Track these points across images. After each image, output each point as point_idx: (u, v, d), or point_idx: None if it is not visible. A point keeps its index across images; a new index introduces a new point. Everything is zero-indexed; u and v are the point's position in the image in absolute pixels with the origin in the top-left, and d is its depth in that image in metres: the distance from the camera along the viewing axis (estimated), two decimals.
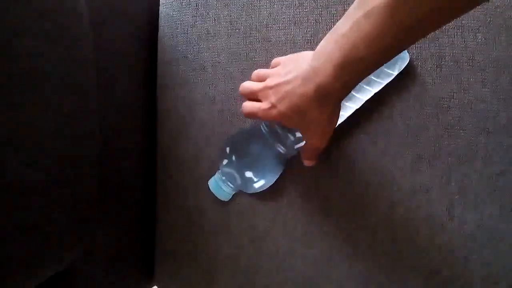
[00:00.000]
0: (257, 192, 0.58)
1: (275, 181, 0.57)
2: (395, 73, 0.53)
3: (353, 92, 0.53)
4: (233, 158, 0.55)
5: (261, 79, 0.51)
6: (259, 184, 0.55)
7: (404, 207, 0.55)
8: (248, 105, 0.51)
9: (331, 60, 0.41)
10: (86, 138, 0.45)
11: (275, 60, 0.53)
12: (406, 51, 0.54)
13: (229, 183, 0.56)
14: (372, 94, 0.54)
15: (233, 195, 0.59)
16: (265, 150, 0.54)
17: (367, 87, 0.54)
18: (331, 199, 0.58)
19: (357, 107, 0.54)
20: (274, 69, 0.51)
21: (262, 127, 0.54)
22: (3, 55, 0.36)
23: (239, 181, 0.55)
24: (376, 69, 0.42)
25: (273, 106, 0.47)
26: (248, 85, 0.52)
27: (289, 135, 0.52)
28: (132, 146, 0.63)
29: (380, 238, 0.56)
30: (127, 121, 0.61)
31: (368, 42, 0.38)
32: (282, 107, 0.46)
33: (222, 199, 0.58)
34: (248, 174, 0.54)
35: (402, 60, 0.54)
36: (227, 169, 0.55)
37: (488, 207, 0.53)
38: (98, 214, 0.51)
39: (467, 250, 0.54)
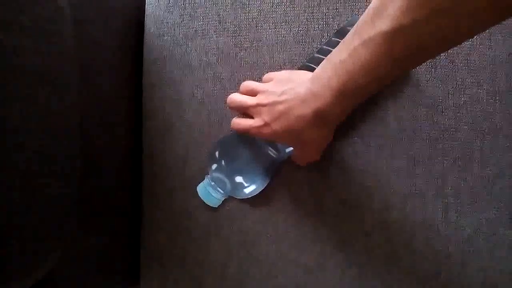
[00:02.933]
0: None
1: (266, 184, 0.55)
2: None
3: None
4: (223, 162, 0.53)
5: (251, 93, 0.50)
6: (250, 189, 0.53)
7: (399, 210, 0.54)
8: (240, 122, 0.50)
9: (330, 87, 0.41)
10: (64, 135, 0.42)
11: (267, 75, 0.52)
12: None
13: (218, 188, 0.54)
14: None
15: (223, 200, 0.57)
16: (255, 154, 0.52)
17: None
18: (324, 203, 0.56)
19: None
20: (266, 84, 0.50)
21: None
22: None
23: (229, 186, 0.53)
24: (376, 92, 0.42)
25: (266, 124, 0.47)
26: (238, 99, 0.50)
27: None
28: (116, 146, 0.61)
29: (374, 243, 0.55)
30: (112, 119, 0.59)
31: (366, 71, 0.38)
32: (276, 126, 0.46)
33: (211, 205, 0.56)
34: (238, 179, 0.53)
35: None
36: (216, 174, 0.53)
37: (485, 211, 0.52)
38: (80, 217, 0.49)
39: (464, 255, 0.53)
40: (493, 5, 0.31)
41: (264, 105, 0.47)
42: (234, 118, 0.51)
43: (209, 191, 0.54)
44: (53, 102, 0.40)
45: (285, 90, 0.46)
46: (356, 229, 0.55)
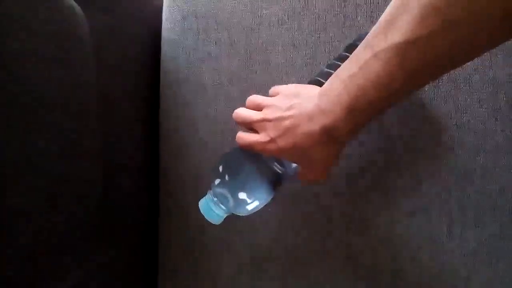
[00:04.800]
0: (258, 211, 0.59)
1: (277, 199, 0.57)
2: None
3: None
4: (226, 177, 0.50)
5: (257, 107, 0.49)
6: (253, 206, 0.51)
7: (404, 226, 0.56)
8: (245, 137, 0.48)
9: (339, 103, 0.39)
10: (87, 160, 0.45)
11: (274, 89, 0.50)
12: None
13: (221, 205, 0.51)
14: None
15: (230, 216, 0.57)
16: (260, 170, 0.50)
17: None
18: (332, 219, 0.58)
19: None
20: (272, 99, 0.48)
21: None
22: (6, 80, 0.37)
23: (231, 202, 0.50)
24: (386, 110, 0.40)
25: (272, 140, 0.44)
26: (244, 114, 0.49)
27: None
28: (134, 166, 0.64)
29: (381, 258, 0.56)
30: (130, 141, 0.62)
31: (377, 85, 0.37)
32: (282, 143, 0.44)
33: (212, 223, 0.52)
34: (242, 195, 0.50)
35: None
36: (219, 189, 0.51)
37: (488, 226, 0.53)
38: (101, 232, 0.52)
39: (468, 270, 0.54)
40: (508, 15, 0.30)
41: (269, 120, 0.45)
42: (238, 133, 0.49)
43: (211, 207, 0.51)
44: (76, 128, 0.43)
45: (292, 105, 0.44)
46: (363, 244, 0.57)
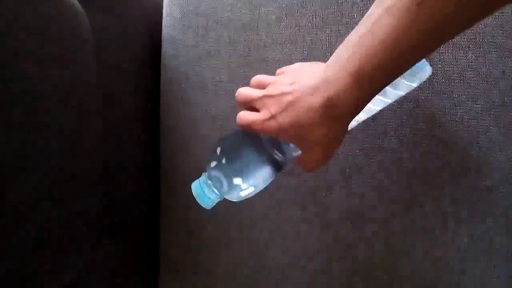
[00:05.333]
0: (256, 207, 0.60)
1: (275, 194, 0.58)
2: (415, 85, 0.51)
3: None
4: (223, 160, 0.48)
5: (260, 86, 0.46)
6: (246, 192, 0.49)
7: (400, 220, 0.57)
8: (244, 115, 0.45)
9: (346, 69, 0.38)
10: (87, 158, 0.47)
11: (280, 70, 0.48)
12: (428, 62, 0.50)
13: (214, 189, 0.48)
14: (386, 105, 0.52)
15: (229, 208, 0.58)
16: (259, 156, 0.48)
17: (383, 99, 0.51)
18: (329, 213, 0.59)
19: (366, 117, 0.52)
20: (276, 77, 0.46)
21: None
22: (6, 79, 0.38)
23: (225, 187, 0.48)
24: (392, 81, 0.39)
25: (272, 117, 0.42)
26: (245, 92, 0.46)
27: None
28: (135, 163, 0.65)
29: (377, 251, 0.58)
30: (131, 139, 0.64)
31: (386, 45, 0.36)
32: (282, 119, 0.41)
33: (204, 206, 0.50)
34: (237, 180, 0.48)
35: (423, 70, 0.50)
36: (214, 172, 0.48)
37: (482, 221, 0.54)
38: (102, 228, 0.53)
39: (462, 263, 0.55)
40: None
41: (271, 96, 0.43)
42: (239, 113, 0.46)
43: (204, 190, 0.49)
44: (76, 128, 0.44)
45: (296, 80, 0.42)
46: (359, 238, 0.58)
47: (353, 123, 0.49)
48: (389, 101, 0.51)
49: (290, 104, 0.41)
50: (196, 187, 0.50)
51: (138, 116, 0.65)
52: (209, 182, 0.48)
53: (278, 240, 0.61)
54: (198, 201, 0.49)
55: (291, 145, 0.46)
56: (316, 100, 0.39)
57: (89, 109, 0.47)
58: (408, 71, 0.40)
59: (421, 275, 0.56)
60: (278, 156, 0.48)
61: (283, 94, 0.42)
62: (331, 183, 0.59)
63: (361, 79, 0.38)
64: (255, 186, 0.49)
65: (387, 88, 0.45)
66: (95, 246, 0.49)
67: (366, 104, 0.41)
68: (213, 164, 0.48)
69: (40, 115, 0.40)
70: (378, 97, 0.49)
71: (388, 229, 0.57)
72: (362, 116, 0.52)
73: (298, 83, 0.41)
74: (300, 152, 0.46)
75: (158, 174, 0.68)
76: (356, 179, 0.58)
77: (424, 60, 0.46)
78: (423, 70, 0.50)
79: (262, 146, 0.47)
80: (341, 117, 0.40)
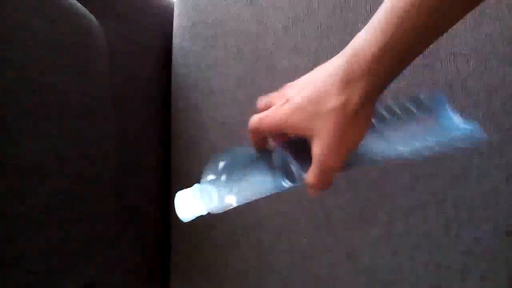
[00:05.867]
0: (263, 209, 0.62)
1: (282, 197, 0.60)
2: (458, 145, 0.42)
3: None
4: (223, 177, 0.44)
5: (269, 103, 0.43)
6: (229, 207, 0.45)
7: (403, 224, 0.58)
8: (256, 114, 0.42)
9: (369, 43, 0.36)
10: (102, 160, 0.49)
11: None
12: (482, 128, 0.40)
13: (201, 202, 0.44)
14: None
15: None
16: (265, 183, 0.44)
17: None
18: (334, 215, 0.61)
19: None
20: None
21: (274, 153, 0.45)
22: (31, 91, 0.41)
23: (214, 203, 0.44)
24: (421, 52, 0.37)
25: (287, 100, 0.39)
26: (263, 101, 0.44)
27: (301, 166, 0.43)
28: (148, 165, 0.68)
29: (380, 253, 0.59)
30: (144, 142, 0.66)
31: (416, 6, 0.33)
32: (297, 97, 0.39)
33: (181, 218, 0.45)
34: (230, 199, 0.44)
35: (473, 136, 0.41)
36: (208, 186, 0.43)
37: (482, 224, 0.56)
38: (116, 230, 0.56)
39: (463, 266, 0.56)
40: None
41: (289, 85, 0.41)
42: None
43: (190, 202, 0.44)
44: (94, 132, 0.47)
45: (313, 73, 0.40)
46: (363, 241, 0.60)
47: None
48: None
49: (308, 82, 0.39)
50: (182, 196, 0.45)
51: (150, 121, 0.68)
52: (197, 194, 0.44)
53: (284, 241, 0.63)
54: (177, 212, 0.45)
55: (305, 169, 0.41)
56: (335, 77, 0.37)
57: (104, 116, 0.49)
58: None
59: (423, 277, 0.57)
60: (286, 183, 0.44)
61: (300, 79, 0.41)
62: (336, 187, 0.61)
63: (383, 58, 0.35)
64: (242, 204, 0.45)
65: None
66: (111, 246, 0.52)
67: (387, 83, 0.38)
68: (210, 177, 0.44)
69: (59, 123, 0.43)
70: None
71: (392, 231, 0.59)
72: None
73: (317, 68, 0.40)
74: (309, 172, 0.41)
75: (169, 176, 0.71)
76: (361, 182, 0.60)
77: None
78: (474, 134, 0.41)
79: (271, 172, 0.44)
80: (356, 106, 0.37)
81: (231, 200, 0.44)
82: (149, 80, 0.69)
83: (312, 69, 0.62)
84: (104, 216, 0.50)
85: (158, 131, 0.70)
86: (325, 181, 0.41)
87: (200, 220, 0.67)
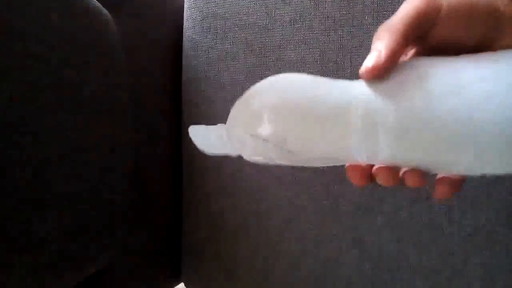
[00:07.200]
0: (272, 198, 0.64)
1: (290, 186, 0.62)
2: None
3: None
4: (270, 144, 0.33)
5: None
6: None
7: (407, 212, 0.60)
8: None
9: None
10: (121, 152, 0.52)
11: None
12: None
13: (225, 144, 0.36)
14: None
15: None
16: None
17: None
18: (340, 204, 0.63)
19: None
20: None
21: None
22: (54, 86, 0.43)
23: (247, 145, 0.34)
24: None
25: None
26: None
27: None
28: (162, 157, 0.70)
29: (385, 240, 0.61)
30: (157, 134, 0.69)
31: None
32: None
33: (202, 149, 0.39)
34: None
35: None
36: (246, 139, 0.34)
37: (485, 212, 0.57)
38: (132, 216, 0.58)
39: (466, 252, 0.58)
40: None
41: None
42: None
43: (211, 139, 0.37)
44: (113, 126, 0.49)
45: None
46: (368, 228, 0.62)
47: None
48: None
49: None
50: (201, 131, 0.39)
51: (163, 113, 0.70)
52: (226, 136, 0.36)
53: (292, 229, 0.65)
54: (197, 144, 0.39)
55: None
56: None
57: (122, 110, 0.52)
58: None
59: (426, 263, 0.59)
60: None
61: None
62: (343, 176, 0.63)
63: None
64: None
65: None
66: (127, 233, 0.54)
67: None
68: (258, 130, 0.33)
69: (81, 116, 0.45)
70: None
71: (396, 219, 0.60)
72: None
73: None
74: None
75: (181, 167, 0.73)
76: None
77: None
78: None
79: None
80: None
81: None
82: (161, 73, 0.71)
83: (319, 61, 0.64)
84: (123, 203, 0.52)
85: (170, 122, 0.72)
86: None
87: (211, 208, 0.70)
